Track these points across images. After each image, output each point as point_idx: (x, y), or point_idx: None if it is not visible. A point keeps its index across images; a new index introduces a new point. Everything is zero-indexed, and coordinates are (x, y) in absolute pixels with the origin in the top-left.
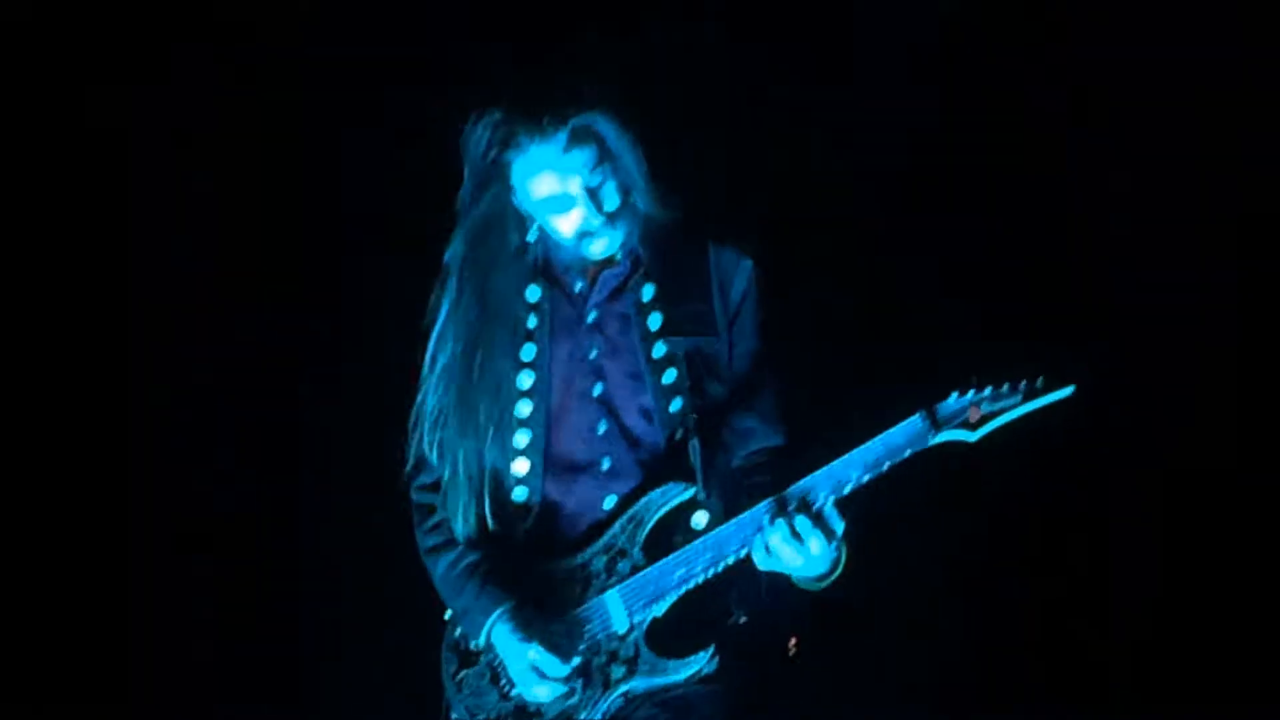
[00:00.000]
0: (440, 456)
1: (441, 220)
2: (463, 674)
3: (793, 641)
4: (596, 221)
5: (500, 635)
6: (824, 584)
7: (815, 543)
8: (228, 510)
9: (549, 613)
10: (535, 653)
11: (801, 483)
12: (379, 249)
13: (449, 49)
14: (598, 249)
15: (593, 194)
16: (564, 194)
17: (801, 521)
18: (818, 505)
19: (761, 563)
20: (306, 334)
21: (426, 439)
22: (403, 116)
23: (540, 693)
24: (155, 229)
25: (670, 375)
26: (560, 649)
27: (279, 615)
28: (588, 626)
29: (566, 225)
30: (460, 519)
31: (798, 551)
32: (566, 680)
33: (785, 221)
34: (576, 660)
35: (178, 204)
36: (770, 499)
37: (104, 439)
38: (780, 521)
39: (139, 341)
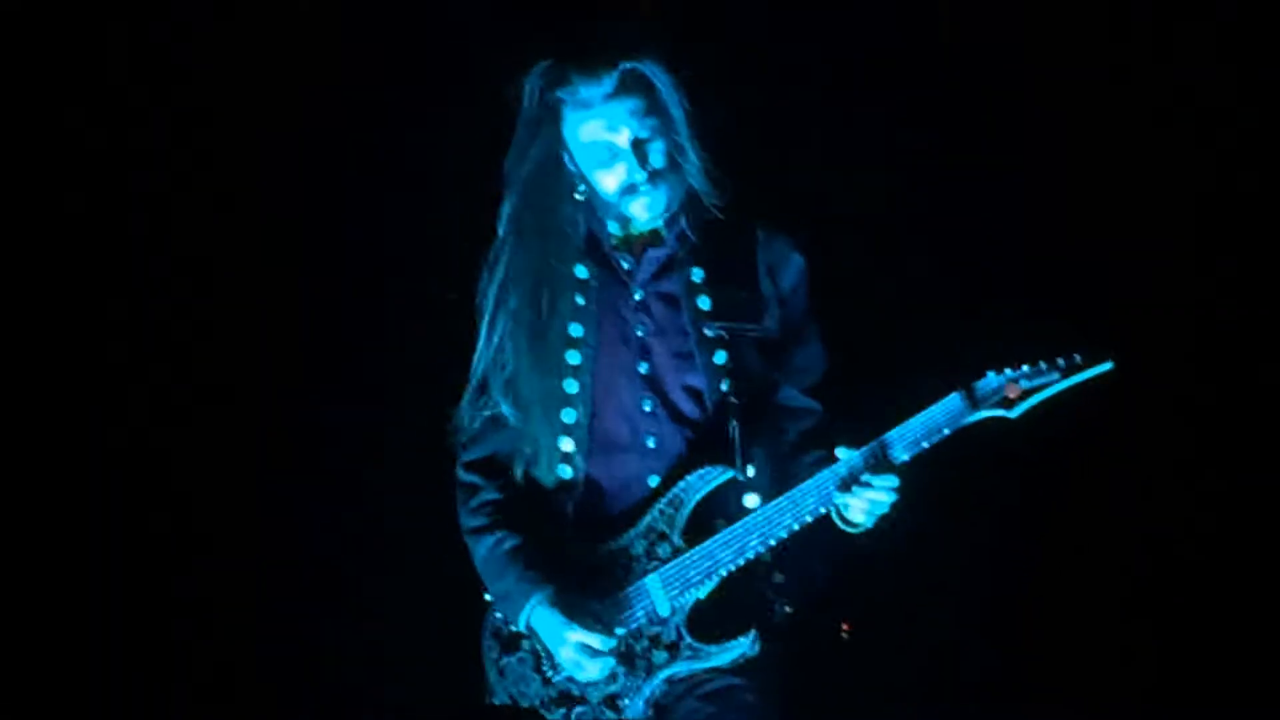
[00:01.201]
0: (515, 415)
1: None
2: (505, 660)
3: (845, 626)
4: (640, 176)
5: (540, 620)
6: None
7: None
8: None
9: (590, 596)
10: (578, 633)
11: (853, 455)
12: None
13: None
14: (639, 208)
15: (639, 146)
16: (610, 143)
17: (863, 488)
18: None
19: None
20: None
21: (486, 407)
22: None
23: (591, 670)
24: (163, 212)
25: (720, 357)
26: (604, 624)
27: (321, 601)
28: (629, 611)
29: (611, 180)
30: (547, 467)
31: (868, 512)
32: (614, 654)
33: (827, 205)
34: (621, 632)
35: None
36: (835, 467)
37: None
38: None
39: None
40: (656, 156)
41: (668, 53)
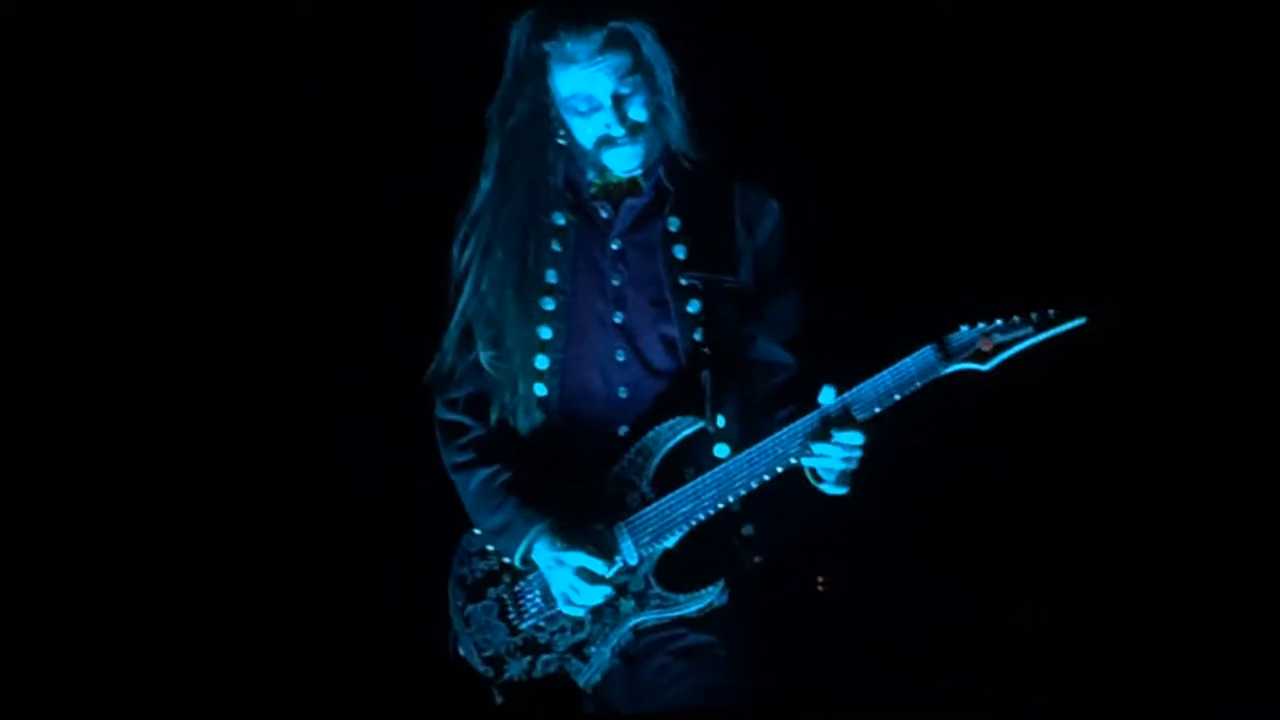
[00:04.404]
0: (495, 362)
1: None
2: (470, 609)
3: (820, 579)
4: (619, 131)
5: (541, 551)
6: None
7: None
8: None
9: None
10: (578, 557)
11: (821, 410)
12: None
13: None
14: (615, 159)
15: (619, 102)
16: (591, 96)
17: (829, 444)
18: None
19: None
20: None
21: (470, 352)
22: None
23: (588, 598)
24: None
25: (694, 306)
26: (604, 550)
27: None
28: None
29: (589, 130)
30: (522, 412)
31: (836, 467)
32: (612, 581)
33: (802, 160)
34: (620, 563)
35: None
36: (804, 420)
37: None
38: (820, 443)
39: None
40: (636, 111)
41: (659, 14)
